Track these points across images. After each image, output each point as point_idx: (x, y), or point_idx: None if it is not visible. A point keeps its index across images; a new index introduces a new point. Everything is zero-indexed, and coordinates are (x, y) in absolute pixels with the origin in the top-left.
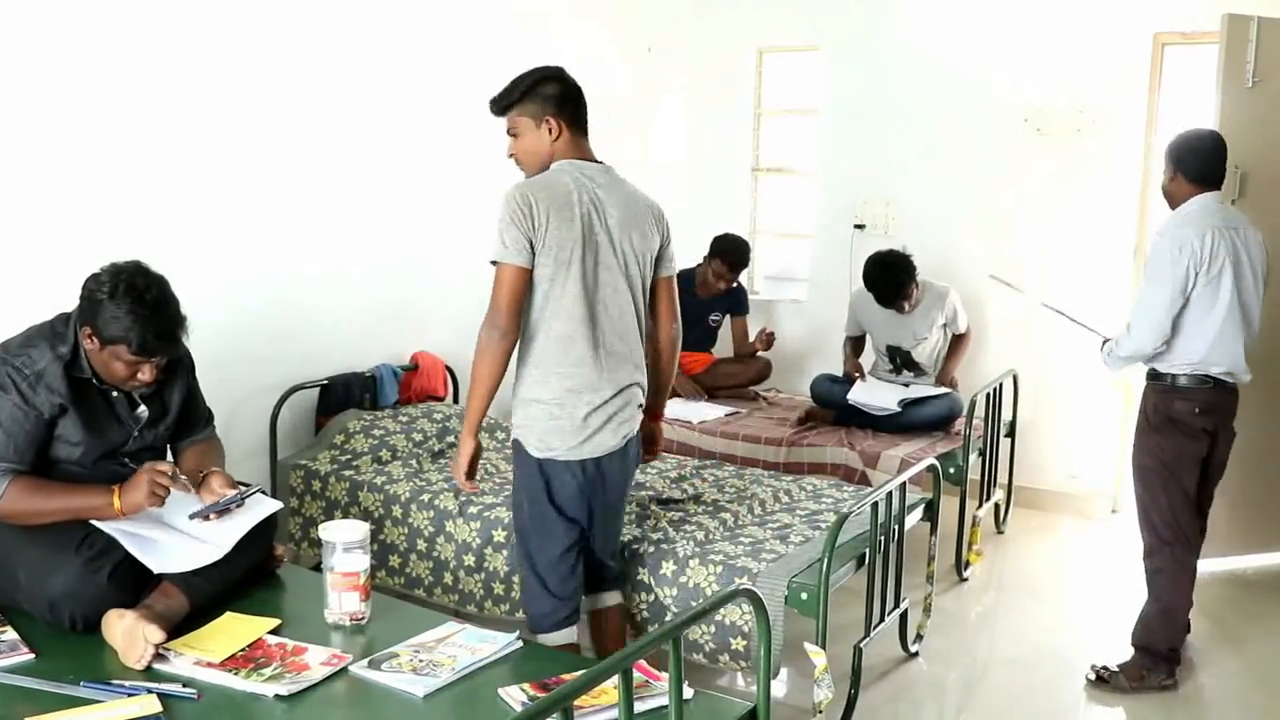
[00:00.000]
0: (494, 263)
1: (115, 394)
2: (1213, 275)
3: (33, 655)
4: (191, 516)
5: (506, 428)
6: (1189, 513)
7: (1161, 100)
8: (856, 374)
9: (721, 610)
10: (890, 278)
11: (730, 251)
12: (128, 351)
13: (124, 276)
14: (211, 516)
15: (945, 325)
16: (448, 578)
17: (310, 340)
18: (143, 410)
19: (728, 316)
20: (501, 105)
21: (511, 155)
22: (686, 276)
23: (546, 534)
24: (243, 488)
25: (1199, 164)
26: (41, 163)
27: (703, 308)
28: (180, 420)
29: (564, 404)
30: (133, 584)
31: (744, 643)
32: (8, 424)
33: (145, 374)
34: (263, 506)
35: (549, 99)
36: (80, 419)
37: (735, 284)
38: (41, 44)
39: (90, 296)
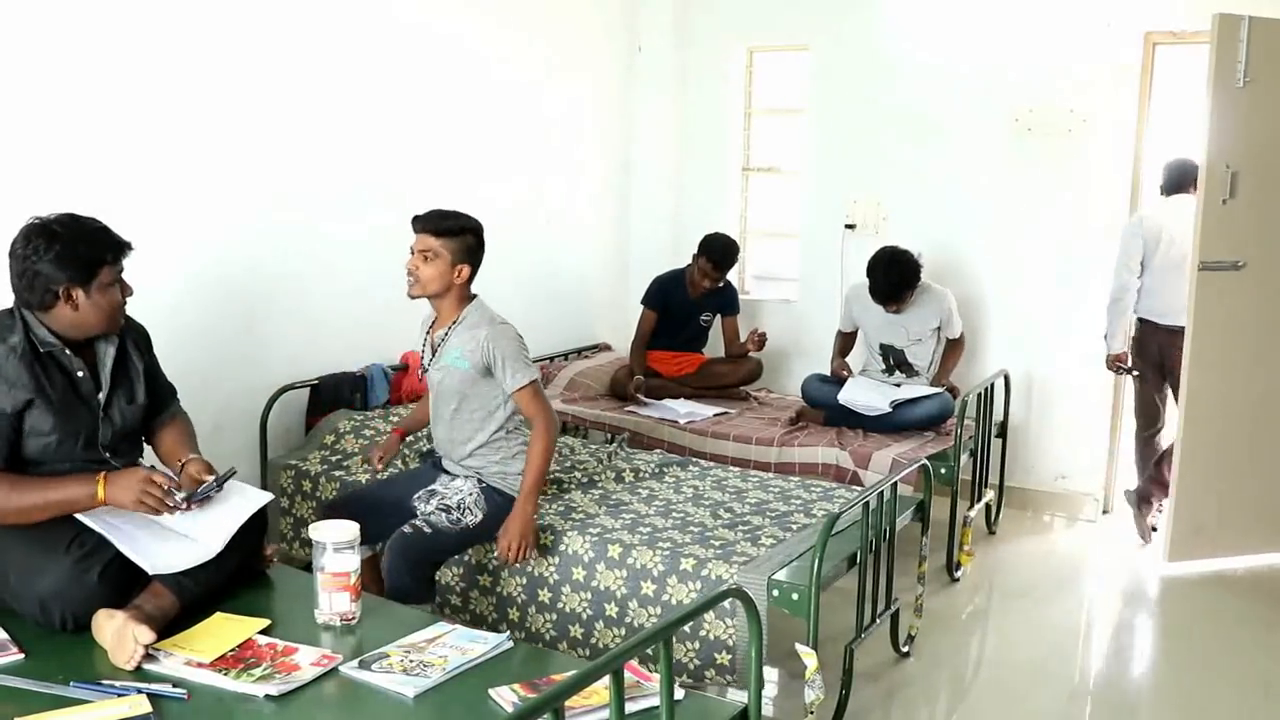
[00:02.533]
0: (526, 385)
1: (80, 374)
2: (1161, 247)
3: (22, 655)
4: (172, 508)
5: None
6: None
7: (1153, 100)
8: (844, 373)
9: (705, 626)
10: (891, 277)
11: (714, 251)
12: (110, 269)
13: (41, 230)
14: (191, 506)
15: (939, 329)
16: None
17: (300, 340)
18: (104, 391)
19: (719, 317)
20: (438, 227)
21: (412, 269)
22: (676, 277)
23: (465, 546)
24: (217, 475)
25: (1164, 177)
26: (21, 159)
27: (693, 307)
28: (150, 397)
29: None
30: (122, 584)
31: (728, 657)
32: None
33: (129, 287)
34: (252, 500)
35: (472, 250)
36: (47, 406)
37: (723, 283)
38: (23, 33)
39: (33, 265)
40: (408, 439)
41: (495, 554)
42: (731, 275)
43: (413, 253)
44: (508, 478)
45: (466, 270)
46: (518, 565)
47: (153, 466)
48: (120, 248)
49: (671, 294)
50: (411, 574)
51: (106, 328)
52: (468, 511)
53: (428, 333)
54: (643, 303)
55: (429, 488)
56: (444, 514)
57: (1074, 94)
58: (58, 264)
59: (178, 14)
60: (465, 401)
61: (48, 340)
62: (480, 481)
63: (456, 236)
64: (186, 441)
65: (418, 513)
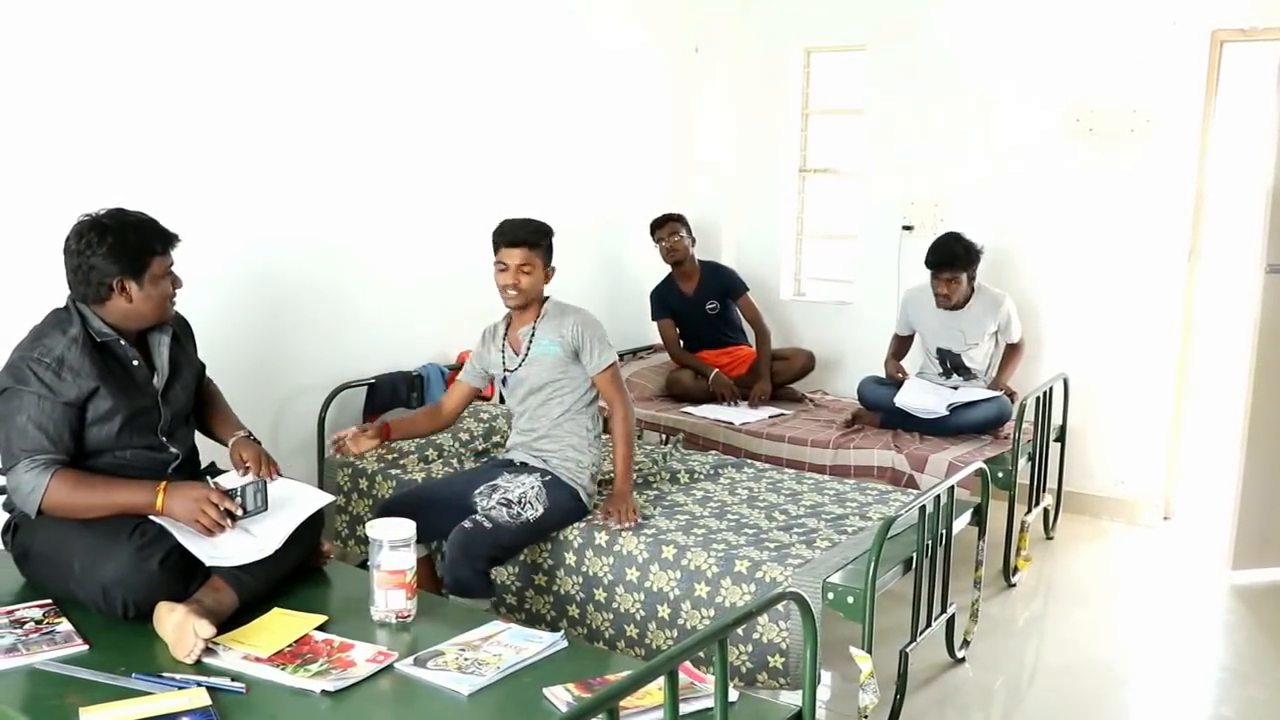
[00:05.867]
0: (608, 367)
1: (136, 362)
2: None
3: (86, 647)
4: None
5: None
6: None
7: (1219, 100)
8: (899, 375)
9: (759, 629)
10: (947, 246)
11: (654, 221)
12: (161, 260)
13: (93, 225)
14: (237, 524)
15: (997, 333)
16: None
17: (357, 340)
18: (159, 377)
19: (733, 304)
20: (534, 239)
21: (515, 284)
22: (665, 281)
23: (526, 541)
24: (252, 483)
25: None
26: (68, 162)
27: (692, 301)
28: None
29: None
30: (183, 573)
31: (781, 660)
32: (36, 416)
33: (178, 279)
34: (312, 502)
35: (552, 251)
36: (110, 393)
37: (687, 239)
38: (91, 47)
39: (88, 259)
40: (390, 443)
41: (601, 522)
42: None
43: (504, 266)
44: (576, 468)
45: (552, 271)
46: (629, 528)
47: (215, 482)
48: (168, 239)
49: (669, 297)
50: (471, 568)
51: (159, 318)
52: (528, 505)
53: (505, 339)
54: (652, 319)
55: (490, 483)
56: (504, 508)
57: (1137, 94)
58: (110, 257)
59: (240, 26)
60: (556, 387)
61: (104, 331)
62: (545, 474)
63: (542, 245)
64: (229, 411)
65: (478, 508)
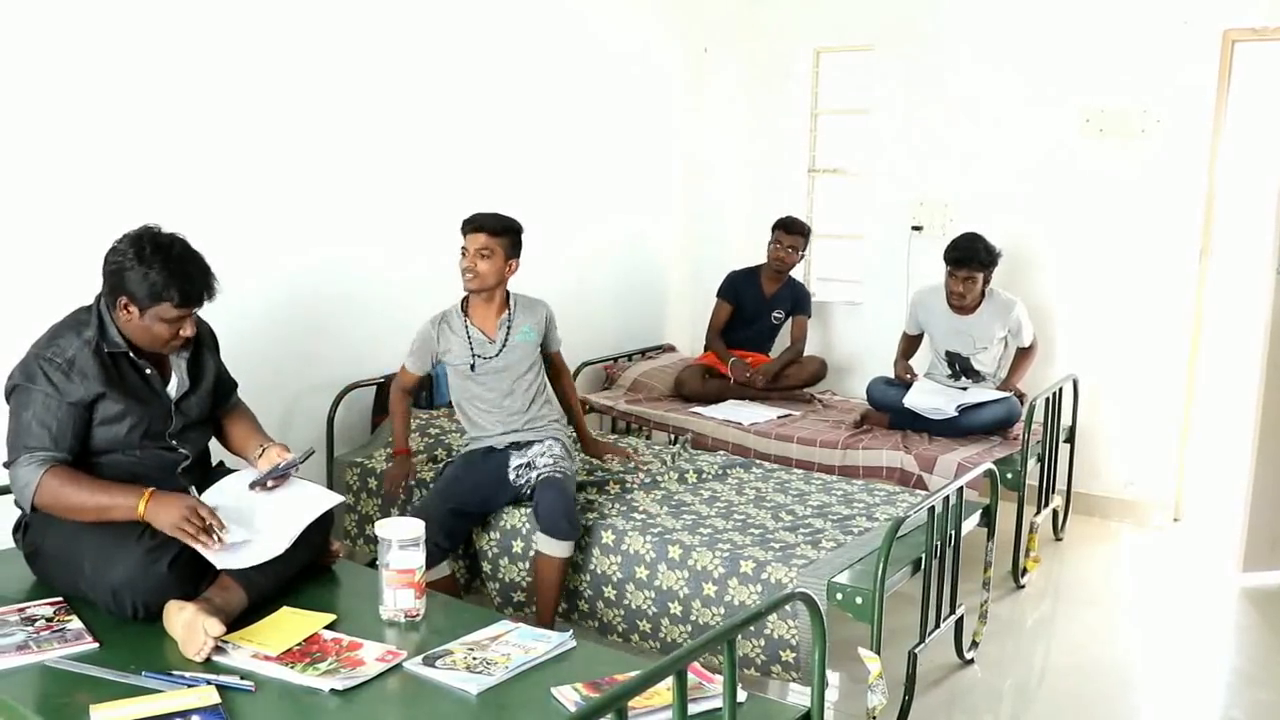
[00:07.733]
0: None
1: (149, 370)
2: None
3: (97, 645)
4: (252, 485)
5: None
6: None
7: (1231, 100)
8: (907, 376)
9: (769, 625)
10: (971, 244)
11: (783, 221)
12: (172, 308)
13: (145, 239)
14: (270, 483)
15: (1006, 338)
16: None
17: (366, 339)
18: (174, 385)
19: (790, 318)
20: (493, 227)
21: (471, 267)
22: (750, 272)
23: None
24: (296, 455)
25: None
26: (80, 162)
27: (766, 305)
28: (215, 392)
29: None
30: (192, 574)
31: (793, 655)
32: (41, 414)
33: (188, 329)
34: (321, 502)
35: (518, 246)
36: (118, 397)
37: (800, 255)
38: (80, 42)
39: (117, 268)
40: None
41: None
42: (799, 275)
43: (465, 253)
44: (561, 425)
45: (515, 264)
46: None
47: (233, 467)
48: (190, 297)
49: (744, 288)
50: (570, 512)
51: (151, 349)
52: (568, 458)
53: (468, 328)
54: (717, 295)
55: (519, 464)
56: (563, 460)
57: (1148, 94)
58: (131, 278)
59: (262, 48)
60: (531, 368)
61: (115, 342)
62: (554, 441)
63: (506, 235)
64: (257, 429)
65: (534, 471)
